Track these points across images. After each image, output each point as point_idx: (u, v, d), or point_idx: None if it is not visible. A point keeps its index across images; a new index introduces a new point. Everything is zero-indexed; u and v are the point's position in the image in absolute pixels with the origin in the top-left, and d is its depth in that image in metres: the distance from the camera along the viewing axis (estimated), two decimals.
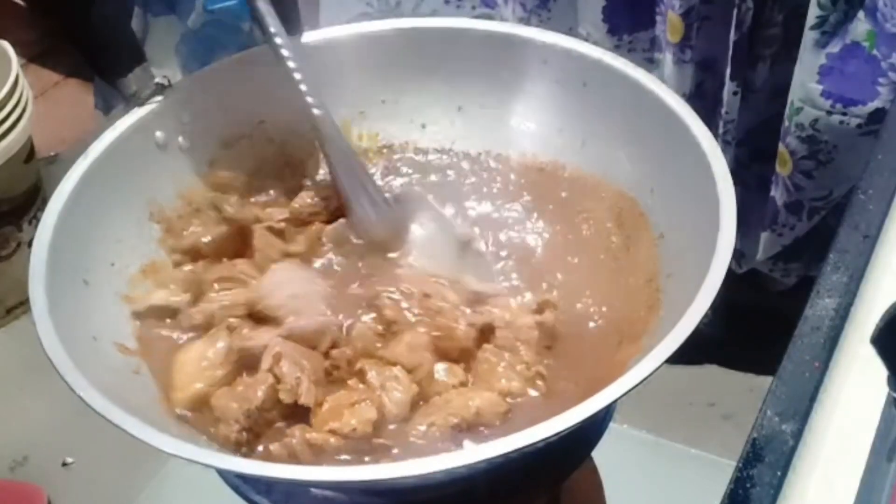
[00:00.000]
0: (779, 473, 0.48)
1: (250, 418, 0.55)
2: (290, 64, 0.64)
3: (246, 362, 0.59)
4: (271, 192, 0.71)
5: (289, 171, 0.72)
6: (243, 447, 0.56)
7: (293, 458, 0.55)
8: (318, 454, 0.55)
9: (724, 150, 0.60)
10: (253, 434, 0.56)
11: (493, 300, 0.62)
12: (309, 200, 0.68)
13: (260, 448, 0.56)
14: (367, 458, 0.55)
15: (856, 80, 0.93)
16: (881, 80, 0.91)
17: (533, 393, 0.58)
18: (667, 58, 1.00)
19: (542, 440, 0.47)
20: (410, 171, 0.73)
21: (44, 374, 0.52)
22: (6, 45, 1.21)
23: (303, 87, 0.64)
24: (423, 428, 0.55)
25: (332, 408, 0.56)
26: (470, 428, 0.56)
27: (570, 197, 0.69)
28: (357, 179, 0.66)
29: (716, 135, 0.99)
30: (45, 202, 0.66)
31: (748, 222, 1.11)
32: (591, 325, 0.62)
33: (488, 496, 0.59)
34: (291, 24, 0.67)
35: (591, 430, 0.62)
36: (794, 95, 0.97)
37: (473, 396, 0.57)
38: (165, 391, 0.58)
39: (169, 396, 0.58)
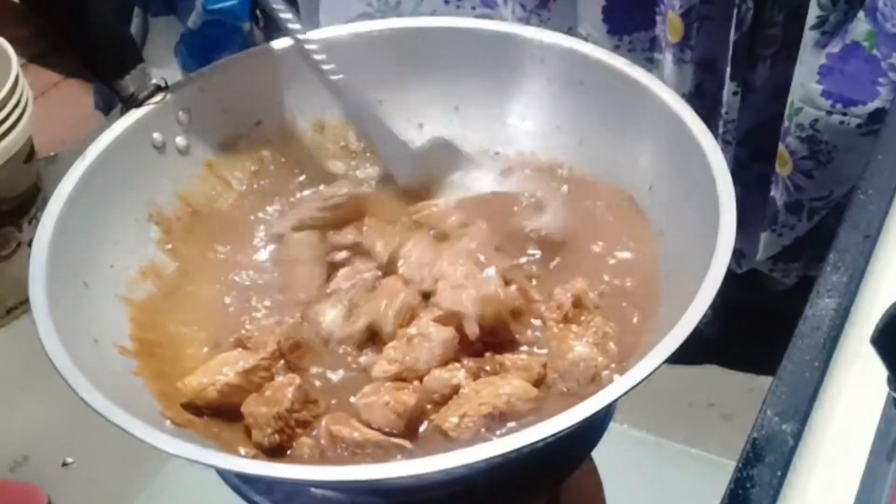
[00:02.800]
0: (779, 473, 0.48)
1: (281, 420, 0.55)
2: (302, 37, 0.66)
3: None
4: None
5: (286, 172, 0.72)
6: (274, 452, 0.56)
7: (320, 451, 0.55)
8: (346, 448, 0.55)
9: (724, 150, 0.60)
10: (286, 436, 0.56)
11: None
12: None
13: (289, 451, 0.56)
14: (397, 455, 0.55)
15: (856, 80, 0.93)
16: (881, 80, 0.91)
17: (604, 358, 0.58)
18: (667, 58, 1.00)
19: (542, 440, 0.47)
20: None
21: (44, 374, 0.52)
22: (6, 45, 1.21)
23: (317, 57, 0.66)
24: (454, 420, 0.55)
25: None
26: (503, 416, 0.55)
27: (569, 195, 0.69)
28: (386, 135, 0.67)
29: (716, 135, 0.99)
30: (45, 202, 0.66)
31: (748, 222, 1.11)
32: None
33: (488, 496, 0.59)
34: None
35: (591, 430, 0.62)
36: (794, 95, 0.97)
37: (503, 385, 0.56)
38: (164, 392, 0.58)
39: (168, 391, 0.58)
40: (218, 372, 0.58)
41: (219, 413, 0.58)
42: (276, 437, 0.55)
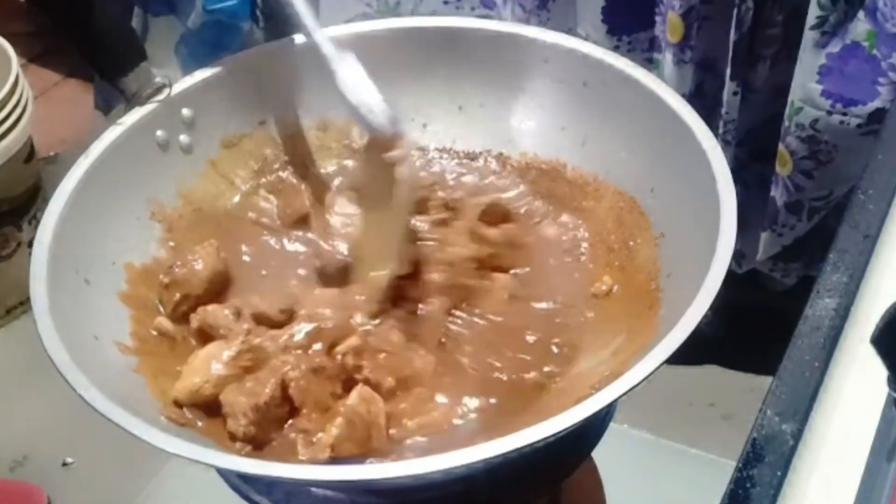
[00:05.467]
0: (779, 473, 0.48)
1: (258, 413, 0.55)
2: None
3: (257, 364, 0.59)
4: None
5: (289, 170, 0.72)
6: (250, 443, 0.56)
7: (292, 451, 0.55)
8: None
9: (724, 150, 0.60)
10: (262, 430, 0.56)
11: None
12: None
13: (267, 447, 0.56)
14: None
15: (856, 80, 0.93)
16: (881, 80, 0.91)
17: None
18: (667, 58, 1.00)
19: (542, 440, 0.47)
20: None
21: (44, 374, 0.52)
22: (6, 44, 1.21)
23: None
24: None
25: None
26: None
27: (571, 195, 0.69)
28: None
29: (716, 135, 0.99)
30: (45, 202, 0.66)
31: (748, 222, 1.11)
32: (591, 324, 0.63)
33: (488, 496, 0.59)
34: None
35: (591, 430, 0.62)
36: (794, 95, 0.97)
37: None
38: (164, 390, 0.58)
39: (168, 389, 0.58)
40: (207, 368, 0.58)
41: (206, 410, 0.58)
42: (252, 428, 0.55)
